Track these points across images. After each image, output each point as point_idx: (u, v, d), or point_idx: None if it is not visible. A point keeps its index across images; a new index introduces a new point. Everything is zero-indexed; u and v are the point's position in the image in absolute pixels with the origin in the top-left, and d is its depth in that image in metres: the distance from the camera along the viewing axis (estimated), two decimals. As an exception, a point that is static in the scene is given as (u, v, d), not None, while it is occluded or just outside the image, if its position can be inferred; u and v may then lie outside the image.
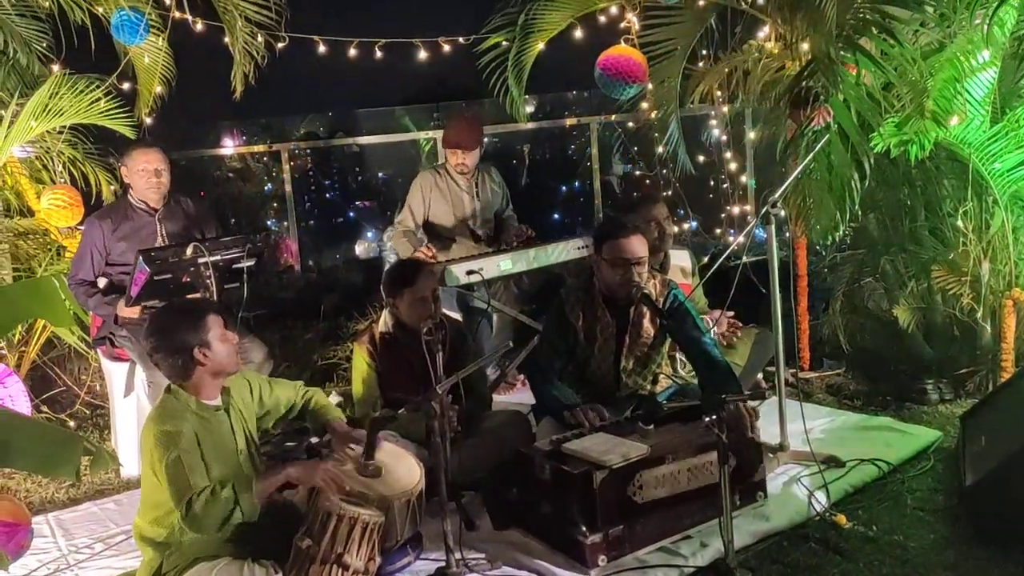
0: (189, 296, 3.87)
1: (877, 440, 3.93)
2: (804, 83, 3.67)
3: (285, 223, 7.85)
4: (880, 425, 4.17)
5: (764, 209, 3.51)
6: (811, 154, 3.50)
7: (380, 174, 9.81)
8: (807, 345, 5.10)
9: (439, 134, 7.51)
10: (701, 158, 5.84)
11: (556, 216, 8.23)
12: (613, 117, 7.69)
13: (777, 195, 3.49)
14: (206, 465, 2.73)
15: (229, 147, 7.79)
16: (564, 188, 8.56)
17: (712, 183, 5.94)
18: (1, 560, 1.94)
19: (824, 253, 5.53)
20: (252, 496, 2.63)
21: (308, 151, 8.66)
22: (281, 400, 3.18)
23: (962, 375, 4.45)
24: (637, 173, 7.98)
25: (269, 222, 8.32)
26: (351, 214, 9.14)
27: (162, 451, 2.68)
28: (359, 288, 6.87)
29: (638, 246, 3.56)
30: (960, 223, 4.33)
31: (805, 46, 4.00)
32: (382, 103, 9.19)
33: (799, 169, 3.51)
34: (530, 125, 7.80)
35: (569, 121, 8.12)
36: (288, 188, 7.51)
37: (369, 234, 8.05)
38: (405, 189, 5.21)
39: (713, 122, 5.68)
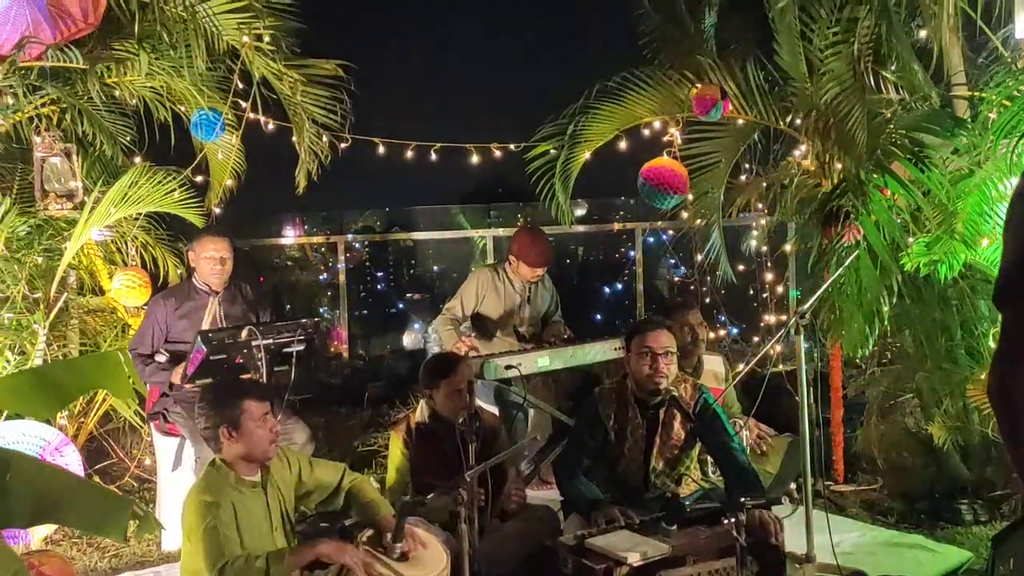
0: (240, 378, 4.07)
1: (907, 557, 3.91)
2: (835, 201, 3.83)
3: (337, 311, 8.13)
4: (911, 543, 4.14)
5: (792, 319, 3.62)
6: (840, 269, 3.62)
7: (434, 268, 10.12)
8: (841, 457, 5.09)
9: (493, 232, 7.80)
10: (741, 267, 5.97)
11: (599, 317, 8.38)
12: (659, 224, 7.90)
13: (806, 307, 3.60)
14: (241, 538, 2.88)
15: (289, 237, 8.17)
16: (608, 290, 8.74)
17: (752, 292, 6.05)
18: (47, 614, 2.09)
19: (865, 367, 5.56)
20: (283, 568, 2.75)
21: (364, 243, 9.01)
22: (322, 481, 3.31)
23: (997, 497, 4.41)
24: (676, 279, 8.13)
25: (322, 309, 8.61)
26: (401, 306, 9.41)
27: (200, 519, 2.85)
28: (403, 377, 7.04)
29: (664, 339, 3.68)
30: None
31: (838, 165, 4.18)
32: (438, 201, 9.57)
33: (827, 283, 3.63)
34: (579, 228, 8.04)
35: (616, 226, 8.36)
36: (342, 278, 7.81)
37: (417, 326, 8.28)
38: (457, 284, 5.44)
39: (754, 233, 5.83)
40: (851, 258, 3.61)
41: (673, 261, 7.90)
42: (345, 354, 8.08)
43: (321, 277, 8.70)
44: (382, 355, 8.11)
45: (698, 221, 5.65)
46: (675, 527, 3.34)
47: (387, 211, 9.48)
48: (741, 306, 6.58)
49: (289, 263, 9.01)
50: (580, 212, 9.20)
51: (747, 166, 5.60)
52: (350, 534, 3.43)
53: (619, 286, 8.50)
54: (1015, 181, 3.94)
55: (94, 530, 2.23)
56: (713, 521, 3.38)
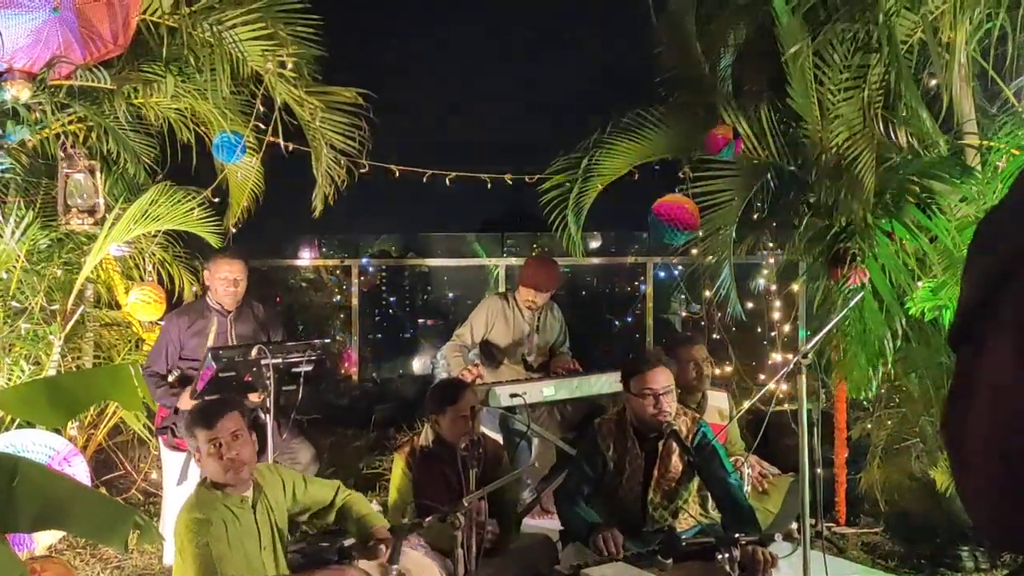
0: (204, 403, 4.11)
1: (905, 602, 3.90)
2: (842, 244, 3.87)
3: (349, 334, 8.21)
4: (910, 587, 4.13)
5: (795, 359, 3.65)
6: (844, 311, 3.65)
7: (447, 295, 10.19)
8: (844, 499, 5.09)
9: (507, 261, 7.88)
10: (750, 305, 6.00)
11: (607, 349, 8.41)
12: (674, 259, 7.95)
13: (808, 347, 3.63)
14: (231, 554, 2.92)
15: (305, 259, 8.27)
16: (618, 323, 8.77)
17: (760, 330, 6.07)
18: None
19: (871, 409, 5.56)
20: None
21: (379, 268, 9.11)
22: (316, 499, 3.35)
23: (999, 544, 4.38)
24: (683, 314, 8.16)
25: (334, 332, 8.69)
26: (413, 331, 9.47)
27: (192, 536, 2.90)
28: (411, 402, 7.10)
29: (663, 377, 3.70)
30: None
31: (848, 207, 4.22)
32: (454, 228, 9.67)
33: (831, 324, 3.65)
34: (594, 261, 8.10)
35: (628, 259, 8.41)
36: (355, 301, 7.90)
37: (426, 351, 8.33)
38: (469, 312, 5.51)
39: (765, 272, 5.87)
40: (855, 300, 3.63)
41: (684, 296, 7.94)
42: (355, 376, 8.14)
43: (335, 299, 8.79)
44: (391, 378, 8.17)
45: (709, 258, 5.69)
46: (670, 560, 3.36)
47: (402, 237, 9.59)
48: (749, 344, 6.60)
49: (304, 284, 9.11)
50: (595, 244, 9.26)
51: (758, 204, 5.65)
52: (349, 556, 3.47)
53: (629, 319, 8.53)
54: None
55: (96, 537, 2.29)
56: (707, 556, 3.39)
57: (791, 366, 3.74)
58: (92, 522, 2.16)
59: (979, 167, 4.02)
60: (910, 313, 3.93)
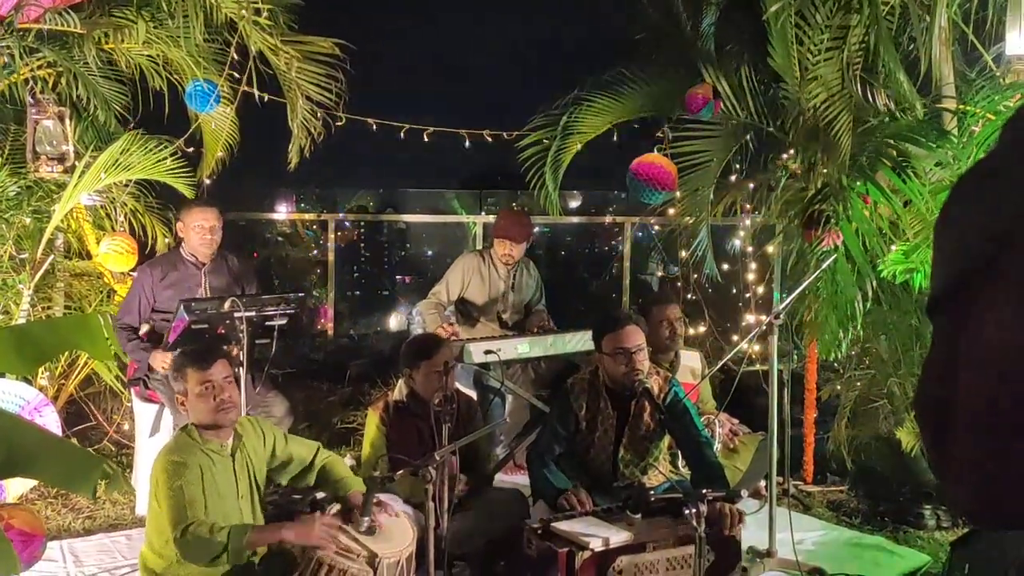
0: (190, 348, 4.11)
1: (866, 558, 4.00)
2: (817, 205, 3.88)
3: (325, 289, 8.17)
4: (873, 544, 4.23)
5: (767, 320, 3.69)
6: (816, 272, 3.68)
7: (425, 252, 10.15)
8: (812, 458, 5.17)
9: (485, 218, 7.85)
10: (726, 266, 6.03)
11: (583, 308, 8.43)
12: (651, 220, 7.95)
13: (780, 308, 3.67)
14: (205, 502, 2.94)
15: (281, 212, 8.20)
16: (595, 283, 8.79)
17: (735, 291, 6.11)
18: (14, 565, 2.13)
19: (841, 370, 5.63)
20: (243, 546, 2.80)
21: (357, 223, 9.04)
22: (295, 456, 3.35)
23: (961, 504, 4.48)
24: (659, 275, 8.19)
25: (310, 287, 8.64)
26: (390, 287, 9.45)
27: (168, 478, 2.91)
28: (386, 357, 7.09)
29: (635, 335, 3.71)
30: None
31: (823, 170, 4.23)
32: (433, 184, 9.60)
33: (803, 286, 3.70)
34: (573, 220, 8.08)
35: (606, 219, 8.40)
36: (331, 256, 7.84)
37: (403, 307, 8.32)
38: (447, 268, 5.50)
39: (742, 233, 5.89)
40: (828, 262, 3.66)
41: (661, 257, 7.96)
42: (330, 331, 8.12)
43: (311, 254, 8.73)
44: (367, 334, 8.16)
45: (686, 219, 5.70)
46: (639, 516, 3.41)
47: (381, 192, 9.51)
48: (724, 304, 6.65)
49: (280, 239, 9.04)
50: (574, 204, 9.23)
51: (737, 166, 5.65)
52: (321, 507, 3.49)
53: (606, 278, 8.55)
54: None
55: (64, 486, 2.28)
56: (675, 511, 3.45)
57: (763, 327, 3.79)
58: (60, 470, 2.15)
59: (956, 132, 4.03)
60: (882, 276, 3.96)
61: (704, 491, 2.98)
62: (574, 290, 9.01)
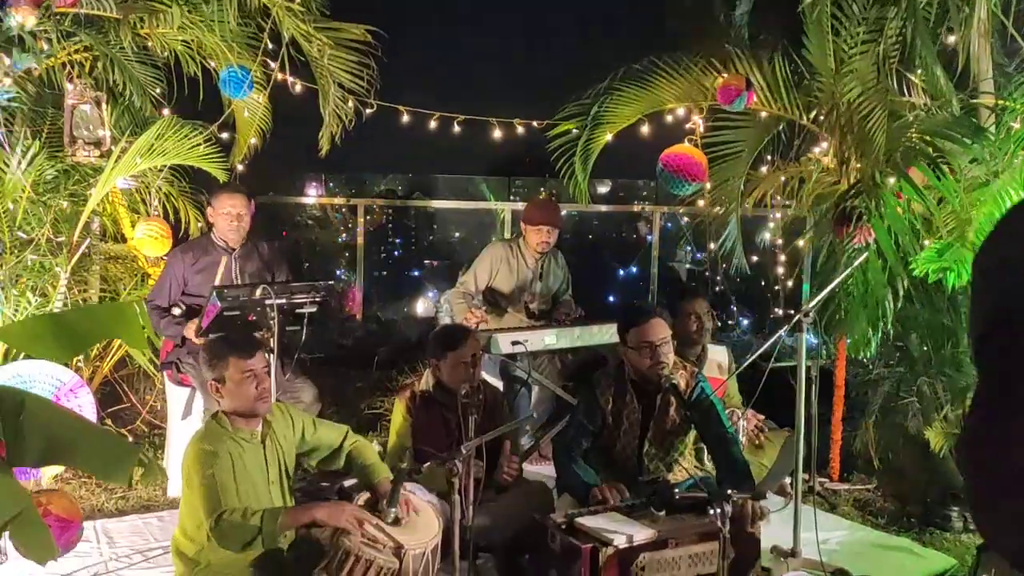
0: (229, 335, 4.17)
1: (891, 560, 3.98)
2: (849, 201, 3.84)
3: (354, 273, 8.22)
4: (898, 545, 4.20)
5: (796, 316, 3.67)
6: (847, 270, 3.65)
7: (453, 236, 10.16)
8: (838, 455, 5.14)
9: (514, 205, 7.85)
10: (755, 258, 5.99)
11: (612, 298, 8.42)
12: (681, 210, 7.90)
13: (810, 305, 3.65)
14: (237, 488, 2.99)
15: (311, 196, 8.25)
16: (622, 272, 8.77)
17: (764, 284, 6.07)
18: (52, 551, 2.19)
19: (871, 367, 5.59)
20: (277, 529, 2.85)
21: (385, 208, 9.07)
22: (324, 441, 3.40)
23: (989, 505, 4.44)
24: (688, 265, 8.15)
25: (339, 271, 8.70)
26: (418, 272, 9.48)
27: (200, 467, 2.96)
28: (413, 344, 7.14)
29: (659, 329, 3.70)
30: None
31: (856, 165, 4.18)
32: (462, 170, 9.60)
33: (834, 283, 3.66)
34: (602, 208, 8.05)
35: (635, 208, 8.37)
36: (360, 240, 7.89)
37: (431, 293, 8.35)
38: (475, 254, 5.52)
39: (771, 225, 5.84)
40: (860, 260, 3.63)
41: (690, 248, 7.92)
42: (359, 316, 8.19)
43: (340, 239, 8.79)
44: (395, 319, 8.20)
45: (716, 209, 5.66)
46: (663, 512, 3.42)
47: (410, 176, 9.53)
48: (753, 297, 6.61)
49: (309, 222, 9.10)
50: (603, 190, 9.19)
51: (768, 158, 5.60)
52: (348, 495, 3.53)
53: (634, 269, 8.53)
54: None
55: (101, 474, 2.33)
56: (699, 509, 3.45)
57: (792, 323, 3.76)
58: (97, 458, 2.21)
59: (993, 128, 3.97)
60: (914, 274, 3.92)
61: (729, 491, 2.97)
62: (602, 278, 8.99)
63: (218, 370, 3.09)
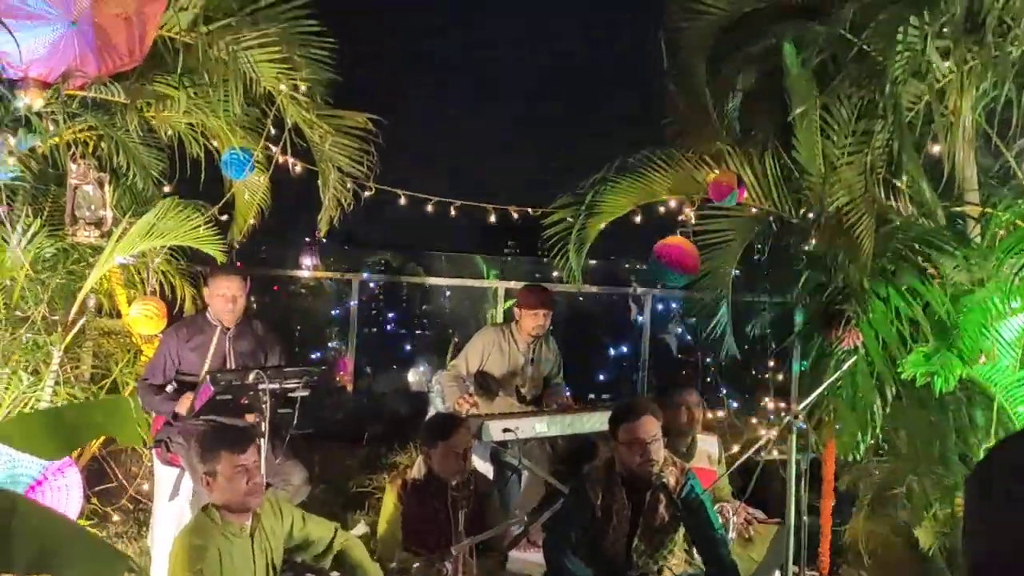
0: (223, 428, 4.18)
1: (880, 662, 3.93)
2: (838, 305, 3.91)
3: (345, 344, 8.22)
4: (887, 647, 4.17)
5: (786, 420, 3.69)
6: (836, 375, 3.70)
7: (447, 310, 10.19)
8: (828, 549, 5.12)
9: (507, 284, 7.92)
10: (746, 346, 6.04)
11: (602, 377, 8.45)
12: (677, 292, 7.97)
13: (799, 408, 3.68)
14: (223, 584, 2.98)
15: (306, 270, 8.30)
16: (613, 351, 8.82)
17: (755, 373, 6.12)
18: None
19: (860, 460, 5.59)
20: None
21: (379, 283, 9.12)
22: (313, 537, 3.40)
23: (978, 607, 4.42)
24: (676, 336, 8.18)
25: (331, 343, 8.71)
26: (410, 346, 9.50)
27: (187, 562, 2.96)
28: (404, 420, 7.13)
29: (650, 426, 3.74)
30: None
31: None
32: (456, 247, 9.68)
33: (822, 387, 3.71)
34: (593, 289, 8.11)
35: (629, 290, 8.43)
36: (353, 311, 7.93)
37: (422, 367, 8.34)
38: (468, 327, 5.56)
39: (761, 316, 5.90)
40: (847, 365, 3.68)
41: (680, 330, 7.98)
42: (350, 387, 8.17)
43: (333, 312, 8.82)
44: (386, 392, 8.18)
45: (704, 294, 5.70)
46: (651, 615, 3.42)
47: (402, 251, 9.61)
48: (742, 382, 6.65)
49: (303, 290, 9.14)
50: (593, 261, 9.25)
51: (759, 246, 5.70)
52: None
53: (623, 348, 8.58)
54: (1016, 304, 4.02)
55: (89, 583, 2.32)
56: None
57: (783, 425, 3.79)
58: (86, 568, 2.20)
59: (978, 236, 4.07)
60: (902, 377, 3.97)
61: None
62: (592, 358, 9.02)
63: (210, 464, 3.11)
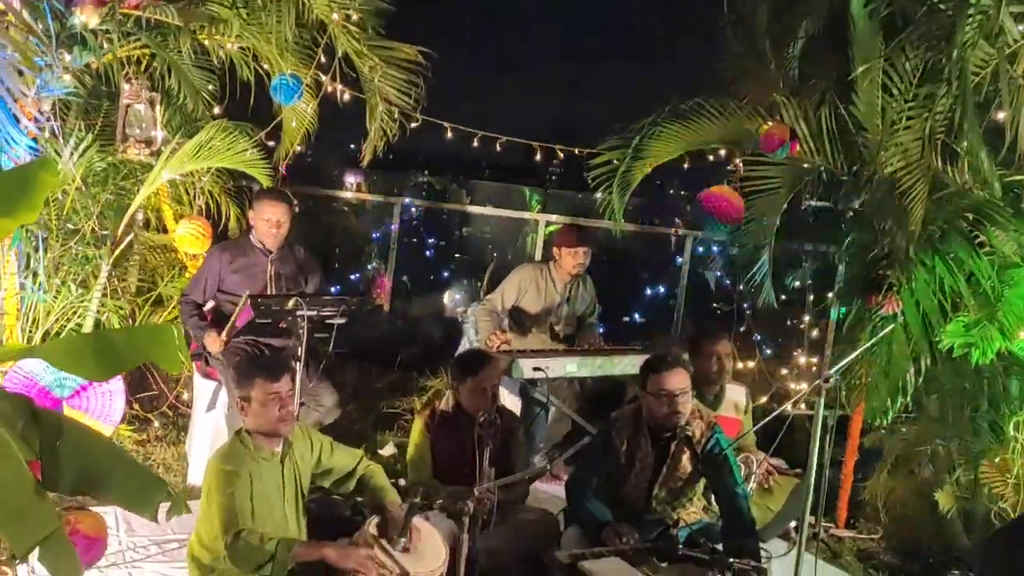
0: (260, 355, 4.26)
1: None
2: (881, 270, 3.86)
3: (385, 263, 8.31)
4: (895, 605, 4.25)
5: (816, 382, 3.69)
6: (871, 342, 3.68)
7: (487, 237, 10.22)
8: (846, 504, 5.17)
9: (547, 216, 7.90)
10: (784, 297, 6.00)
11: (637, 317, 8.47)
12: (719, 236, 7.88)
13: (832, 371, 3.66)
14: (253, 507, 3.11)
15: (348, 192, 8.34)
16: (650, 291, 8.79)
17: (789, 324, 6.09)
18: (77, 570, 2.30)
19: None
20: (288, 559, 2.96)
21: (420, 208, 9.15)
22: (339, 464, 3.51)
23: (991, 574, 4.47)
24: (718, 273, 8.11)
25: (371, 265, 8.80)
26: (448, 271, 9.57)
27: (220, 486, 3.08)
28: (437, 345, 7.24)
29: (680, 379, 3.76)
30: (1016, 427, 4.40)
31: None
32: (499, 178, 9.64)
33: (858, 352, 3.69)
34: (633, 226, 8.06)
35: (672, 230, 8.36)
36: (395, 231, 7.99)
37: (458, 295, 8.39)
38: (507, 257, 5.59)
39: (803, 269, 5.85)
40: (884, 331, 3.66)
41: (719, 273, 7.93)
42: (386, 307, 8.28)
43: (374, 235, 8.88)
44: (420, 317, 8.28)
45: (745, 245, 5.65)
46: (665, 564, 3.50)
47: (446, 177, 9.60)
48: (778, 332, 6.62)
49: (346, 208, 9.19)
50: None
51: (807, 197, 5.61)
52: (360, 512, 3.65)
53: (661, 289, 8.56)
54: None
55: (129, 506, 2.44)
56: (701, 562, 3.52)
57: (812, 388, 3.79)
58: (126, 491, 2.31)
59: (1033, 209, 3.97)
60: (939, 346, 3.94)
61: (732, 560, 3.04)
62: (629, 296, 9.01)
63: (245, 390, 3.21)
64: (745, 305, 6.55)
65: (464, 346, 5.89)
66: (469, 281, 8.84)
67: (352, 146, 6.21)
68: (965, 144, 3.76)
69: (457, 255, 10.04)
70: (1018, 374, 4.49)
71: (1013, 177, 4.15)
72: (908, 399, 3.94)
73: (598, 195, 5.45)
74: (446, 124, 5.44)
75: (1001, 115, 4.01)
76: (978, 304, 3.84)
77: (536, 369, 4.75)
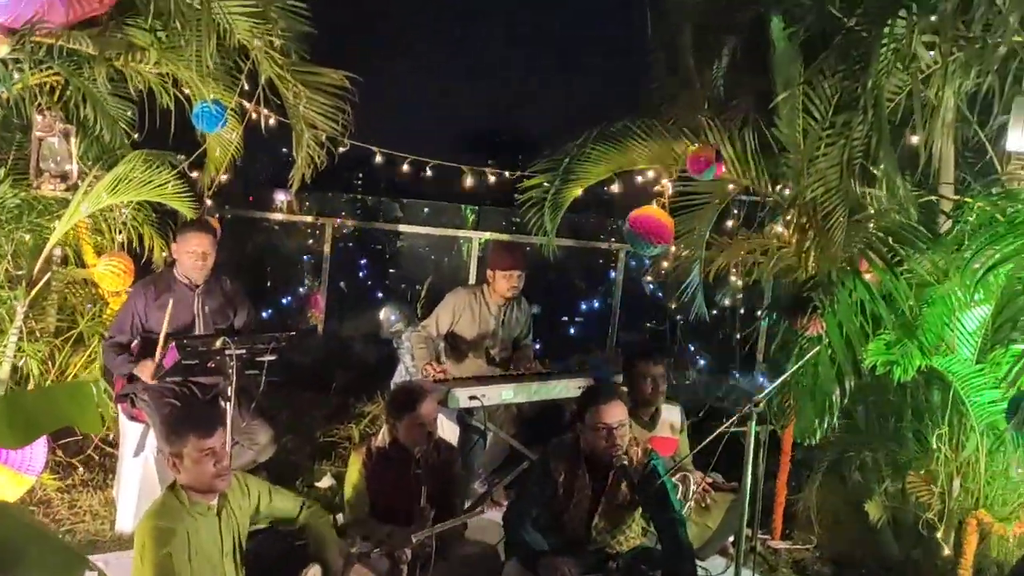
0: (190, 410, 4.18)
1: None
2: (805, 293, 3.95)
3: (319, 280, 8.17)
4: (831, 618, 4.34)
5: (746, 407, 3.75)
6: (798, 364, 3.75)
7: (421, 259, 10.12)
8: (781, 516, 5.27)
9: (480, 234, 7.88)
10: (714, 311, 6.10)
11: (572, 331, 8.51)
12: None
13: (760, 396, 3.73)
14: (191, 565, 3.02)
15: (280, 214, 8.19)
16: (585, 306, 8.85)
17: (720, 340, 6.19)
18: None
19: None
20: None
21: (352, 229, 9.03)
22: (278, 511, 3.43)
23: (919, 579, 4.62)
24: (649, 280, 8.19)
25: (303, 285, 8.67)
26: (382, 293, 9.47)
27: (154, 545, 2.98)
28: (373, 368, 7.15)
29: (618, 412, 3.79)
30: (939, 438, 4.53)
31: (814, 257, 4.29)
32: (428, 197, 9.56)
33: (784, 376, 3.76)
34: (567, 242, 8.10)
35: (602, 245, 8.42)
36: (327, 250, 7.87)
37: (393, 316, 8.32)
38: (442, 278, 5.55)
39: (731, 284, 5.93)
40: (810, 355, 3.74)
41: (652, 286, 8.01)
42: (320, 327, 8.16)
43: (305, 257, 8.75)
44: (355, 337, 8.17)
45: (683, 254, 5.70)
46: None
47: (378, 199, 9.51)
48: (707, 353, 6.73)
49: (276, 228, 9.04)
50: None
51: (735, 211, 5.71)
52: (305, 557, 3.57)
53: (595, 303, 8.62)
54: (979, 296, 4.07)
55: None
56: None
57: (743, 411, 3.85)
58: (45, 569, 2.22)
59: (951, 229, 4.10)
60: (862, 364, 4.04)
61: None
62: (563, 314, 9.04)
63: (176, 447, 3.10)
64: (678, 318, 6.66)
65: (400, 373, 5.84)
66: (405, 299, 8.76)
67: (281, 163, 6.11)
68: (881, 168, 3.86)
69: (392, 271, 9.94)
70: (938, 385, 4.63)
71: (928, 198, 4.28)
72: (835, 419, 4.01)
73: (529, 217, 5.44)
74: (374, 149, 5.37)
75: (915, 139, 4.13)
76: (898, 325, 3.94)
77: (472, 398, 4.73)
